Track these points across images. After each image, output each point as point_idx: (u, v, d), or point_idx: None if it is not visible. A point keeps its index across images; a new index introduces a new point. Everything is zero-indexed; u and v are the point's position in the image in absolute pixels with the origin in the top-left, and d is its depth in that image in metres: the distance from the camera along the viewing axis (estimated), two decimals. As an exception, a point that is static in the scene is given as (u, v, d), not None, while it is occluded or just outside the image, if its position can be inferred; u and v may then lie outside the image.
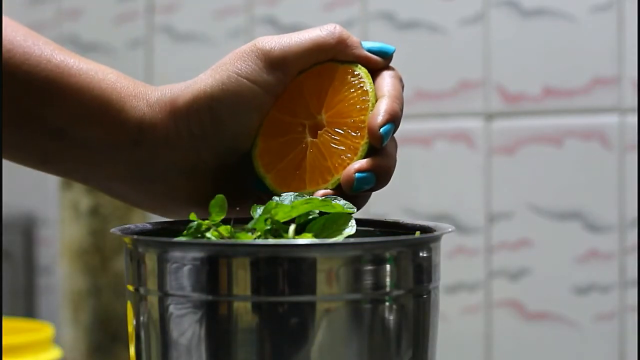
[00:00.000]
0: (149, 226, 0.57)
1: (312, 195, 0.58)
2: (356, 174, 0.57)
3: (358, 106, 0.58)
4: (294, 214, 0.54)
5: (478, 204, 1.31)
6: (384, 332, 0.50)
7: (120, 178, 0.59)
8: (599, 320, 1.24)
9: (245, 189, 0.61)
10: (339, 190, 0.58)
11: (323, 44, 0.58)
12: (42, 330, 1.31)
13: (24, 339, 1.26)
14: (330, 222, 0.55)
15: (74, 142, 0.57)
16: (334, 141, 0.59)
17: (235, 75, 0.57)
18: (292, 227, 0.54)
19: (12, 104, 0.56)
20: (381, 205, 1.35)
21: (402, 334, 0.50)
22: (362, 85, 0.59)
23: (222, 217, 0.55)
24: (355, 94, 0.59)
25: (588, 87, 1.25)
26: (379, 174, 0.57)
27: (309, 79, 0.60)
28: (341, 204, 0.55)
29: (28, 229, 1.69)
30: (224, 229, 0.54)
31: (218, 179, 0.60)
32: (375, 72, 0.60)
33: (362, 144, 0.58)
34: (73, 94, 0.56)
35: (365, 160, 0.57)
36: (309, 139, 0.60)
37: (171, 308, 0.50)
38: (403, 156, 1.38)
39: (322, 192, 0.58)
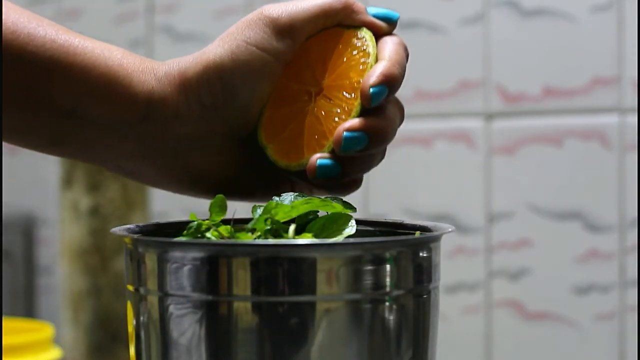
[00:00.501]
0: (149, 226, 0.57)
1: (307, 160, 0.57)
2: (345, 133, 0.56)
3: (358, 67, 0.58)
4: (294, 214, 0.54)
5: (478, 204, 1.31)
6: (384, 332, 0.50)
7: (132, 155, 0.58)
8: (599, 320, 1.24)
9: (259, 162, 0.60)
10: (334, 154, 0.57)
11: (329, 9, 0.58)
12: (42, 330, 1.31)
13: (24, 339, 1.26)
14: (330, 222, 0.55)
15: (83, 121, 0.57)
16: (329, 104, 0.58)
17: (245, 44, 0.57)
18: (292, 227, 0.54)
19: (19, 85, 0.56)
20: (381, 205, 1.35)
21: (402, 334, 0.50)
22: (365, 47, 0.58)
23: (222, 217, 0.55)
24: (356, 56, 0.58)
25: (588, 87, 1.25)
26: (372, 134, 0.56)
27: (315, 44, 0.59)
28: (341, 204, 0.55)
29: (28, 229, 1.69)
30: (224, 229, 0.54)
31: (231, 151, 0.59)
32: (379, 38, 0.59)
33: (356, 104, 0.57)
34: (79, 72, 0.56)
35: (357, 119, 0.56)
36: (312, 106, 0.59)
37: (171, 308, 0.50)
38: (403, 156, 1.38)
39: (316, 156, 0.57)
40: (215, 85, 0.57)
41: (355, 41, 0.59)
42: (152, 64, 0.58)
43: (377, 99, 0.56)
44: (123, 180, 1.41)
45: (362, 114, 0.57)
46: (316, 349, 0.48)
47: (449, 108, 1.32)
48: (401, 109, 0.59)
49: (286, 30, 0.58)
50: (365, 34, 0.59)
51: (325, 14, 0.59)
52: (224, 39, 0.58)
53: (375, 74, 0.56)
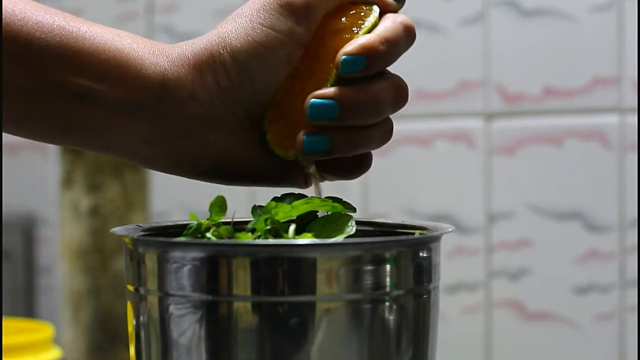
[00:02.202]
0: (149, 226, 0.57)
1: None
2: (312, 100, 0.55)
3: (347, 38, 0.56)
4: (294, 214, 0.54)
5: (478, 204, 1.31)
6: (384, 332, 0.50)
7: (146, 140, 0.58)
8: (599, 320, 1.24)
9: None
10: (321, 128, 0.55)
11: None
12: (42, 330, 1.31)
13: (24, 339, 1.26)
14: (330, 222, 0.55)
15: (95, 106, 0.56)
16: (318, 77, 0.57)
17: (260, 26, 0.56)
18: (292, 227, 0.54)
19: (28, 72, 0.56)
20: (381, 205, 1.35)
21: (402, 334, 0.50)
22: (361, 21, 0.57)
23: (222, 218, 0.55)
24: (351, 29, 0.57)
25: (588, 87, 1.25)
26: (344, 104, 0.55)
27: (328, 21, 0.58)
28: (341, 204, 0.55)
29: (28, 229, 1.69)
30: (224, 229, 0.54)
31: (247, 134, 0.58)
32: (385, 14, 0.58)
33: (332, 74, 0.56)
34: (89, 57, 0.56)
35: (329, 88, 0.55)
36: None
37: (171, 308, 0.50)
38: (403, 156, 1.38)
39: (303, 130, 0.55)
40: (231, 68, 0.56)
41: (356, 14, 0.58)
42: (164, 46, 0.58)
43: (348, 68, 0.55)
44: (123, 180, 1.41)
45: (339, 83, 0.55)
46: (316, 349, 0.48)
47: (449, 108, 1.32)
48: (399, 90, 0.57)
49: (302, 11, 0.57)
50: (369, 9, 0.58)
51: None
52: (238, 21, 0.57)
53: (353, 43, 0.55)
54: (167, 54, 0.57)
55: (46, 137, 0.59)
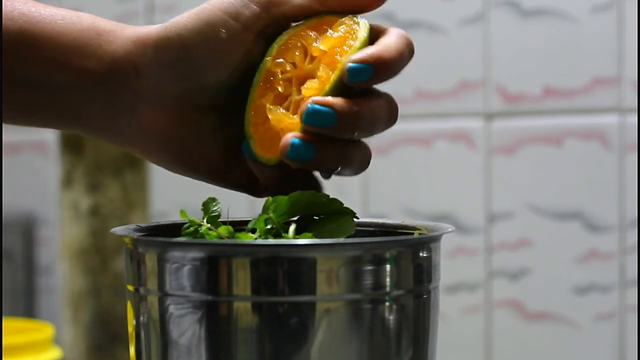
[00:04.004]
0: (149, 226, 0.57)
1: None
2: (309, 105, 0.53)
3: (343, 48, 0.56)
4: (292, 208, 0.54)
5: (478, 204, 1.31)
6: (384, 332, 0.50)
7: (96, 115, 0.58)
8: (599, 320, 1.24)
9: (217, 135, 0.59)
10: (309, 135, 0.54)
11: None
12: (42, 330, 1.31)
13: (24, 339, 1.26)
14: (330, 222, 0.55)
15: (53, 89, 0.57)
16: (308, 85, 0.56)
17: (210, 7, 0.57)
18: (292, 227, 0.54)
19: None
20: (381, 205, 1.35)
21: (402, 334, 0.50)
22: (354, 33, 0.57)
23: (219, 218, 0.55)
24: (344, 39, 0.57)
25: (588, 87, 1.25)
26: (341, 114, 0.53)
27: (307, 30, 0.57)
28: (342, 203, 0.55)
29: (28, 229, 1.69)
30: (224, 229, 0.54)
31: (184, 115, 0.58)
32: (354, 12, 0.58)
33: (332, 79, 0.54)
34: (48, 40, 0.57)
35: (330, 96, 0.54)
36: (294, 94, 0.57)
37: (171, 308, 0.50)
38: (403, 156, 1.38)
39: (291, 134, 0.54)
40: (173, 42, 0.57)
41: (345, 26, 0.57)
42: (124, 26, 0.59)
43: (354, 76, 0.53)
44: (123, 180, 1.41)
45: (338, 92, 0.54)
46: (316, 349, 0.48)
47: (449, 108, 1.32)
48: (392, 109, 0.56)
49: (260, 3, 0.57)
50: (359, 21, 0.57)
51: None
52: (203, 6, 0.58)
53: (362, 52, 0.54)
54: (123, 32, 0.58)
55: (5, 120, 0.60)
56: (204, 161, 0.59)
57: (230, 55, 0.57)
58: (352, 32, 0.57)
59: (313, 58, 0.57)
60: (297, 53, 0.57)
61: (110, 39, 0.58)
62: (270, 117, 0.56)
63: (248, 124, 0.57)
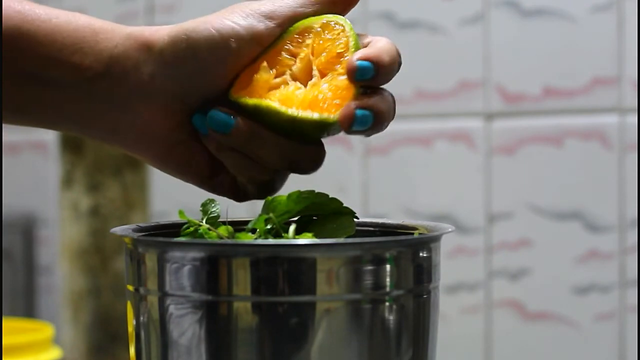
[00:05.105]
0: (149, 226, 0.57)
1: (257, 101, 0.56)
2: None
3: (337, 47, 0.57)
4: (292, 207, 0.54)
5: (478, 204, 1.31)
6: (384, 332, 0.50)
7: (84, 112, 0.59)
8: (599, 320, 1.24)
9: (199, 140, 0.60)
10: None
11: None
12: (42, 330, 1.31)
13: (24, 339, 1.26)
14: (330, 222, 0.55)
15: (49, 88, 0.58)
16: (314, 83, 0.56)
17: (221, 18, 0.58)
18: (292, 227, 0.54)
19: None
20: (381, 205, 1.35)
21: (402, 334, 0.50)
22: (343, 33, 0.57)
23: (218, 219, 0.55)
24: (335, 40, 0.57)
25: (588, 87, 1.25)
26: (377, 113, 0.55)
27: (298, 34, 0.58)
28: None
29: (28, 229, 1.69)
30: (224, 229, 0.54)
31: (178, 115, 0.58)
32: (367, 39, 0.58)
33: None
34: (44, 37, 0.57)
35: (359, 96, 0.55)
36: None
37: (171, 308, 0.50)
38: (403, 156, 1.38)
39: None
40: (180, 42, 0.57)
41: (334, 27, 0.58)
42: (120, 25, 0.59)
43: (362, 74, 0.55)
44: (123, 180, 1.41)
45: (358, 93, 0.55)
46: (316, 349, 0.48)
47: (449, 108, 1.32)
48: (394, 101, 0.58)
49: (267, 15, 0.58)
50: (343, 23, 0.58)
51: (312, 3, 0.59)
52: (212, 14, 0.59)
53: (362, 51, 0.55)
54: (123, 30, 0.59)
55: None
56: (188, 163, 0.60)
57: (234, 65, 0.58)
58: (340, 33, 0.57)
59: (304, 58, 0.57)
60: (287, 57, 0.58)
61: (107, 36, 0.58)
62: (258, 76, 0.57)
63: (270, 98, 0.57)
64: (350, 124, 0.54)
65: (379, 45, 0.56)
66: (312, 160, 0.58)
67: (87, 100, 0.58)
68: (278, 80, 0.57)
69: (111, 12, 1.59)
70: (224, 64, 0.57)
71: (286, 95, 0.56)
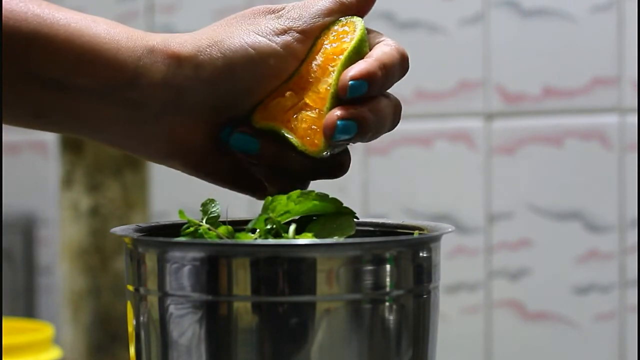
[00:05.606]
0: (149, 226, 0.57)
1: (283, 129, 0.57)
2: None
3: (338, 51, 0.57)
4: (291, 207, 0.54)
5: (478, 204, 1.31)
6: (384, 332, 0.50)
7: (115, 122, 0.58)
8: (599, 320, 1.24)
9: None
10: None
11: (343, 6, 0.59)
12: (42, 330, 1.31)
13: (24, 339, 1.26)
14: (330, 222, 0.55)
15: (69, 90, 0.57)
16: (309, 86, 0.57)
17: (255, 34, 0.57)
18: (292, 227, 0.54)
19: (2, 62, 0.56)
20: (381, 205, 1.35)
21: (402, 334, 0.50)
22: (348, 36, 0.58)
23: (218, 219, 0.55)
24: (339, 41, 0.58)
25: (588, 87, 1.25)
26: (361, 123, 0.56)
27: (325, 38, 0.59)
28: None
29: (28, 229, 1.69)
30: (224, 229, 0.54)
31: (215, 128, 0.59)
32: (377, 39, 0.59)
33: (330, 92, 0.56)
34: (64, 43, 0.57)
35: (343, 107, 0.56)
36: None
37: (171, 308, 0.50)
38: (403, 156, 1.38)
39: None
40: (217, 61, 0.57)
41: (340, 29, 0.58)
42: (143, 33, 0.59)
43: (353, 92, 0.55)
44: (123, 180, 1.41)
45: (335, 104, 0.56)
46: (316, 349, 0.48)
47: (449, 108, 1.32)
48: (396, 106, 0.58)
49: (299, 29, 0.58)
50: (351, 23, 0.58)
51: (334, 11, 0.59)
52: (230, 28, 0.58)
53: (355, 68, 0.55)
54: (145, 39, 0.58)
55: (17, 121, 0.60)
56: (218, 170, 0.60)
57: (272, 82, 0.58)
58: (345, 36, 0.58)
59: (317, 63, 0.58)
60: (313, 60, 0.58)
61: (130, 44, 0.57)
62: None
63: (280, 127, 0.58)
64: (331, 134, 0.55)
65: (377, 55, 0.56)
66: (337, 167, 0.59)
67: (115, 108, 0.58)
68: (296, 100, 0.57)
69: (111, 12, 1.59)
70: (262, 81, 0.58)
71: (299, 119, 0.57)
